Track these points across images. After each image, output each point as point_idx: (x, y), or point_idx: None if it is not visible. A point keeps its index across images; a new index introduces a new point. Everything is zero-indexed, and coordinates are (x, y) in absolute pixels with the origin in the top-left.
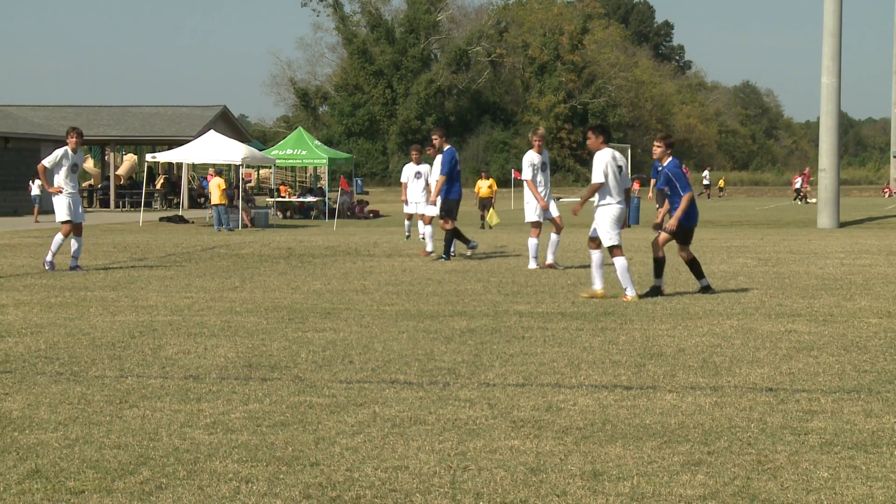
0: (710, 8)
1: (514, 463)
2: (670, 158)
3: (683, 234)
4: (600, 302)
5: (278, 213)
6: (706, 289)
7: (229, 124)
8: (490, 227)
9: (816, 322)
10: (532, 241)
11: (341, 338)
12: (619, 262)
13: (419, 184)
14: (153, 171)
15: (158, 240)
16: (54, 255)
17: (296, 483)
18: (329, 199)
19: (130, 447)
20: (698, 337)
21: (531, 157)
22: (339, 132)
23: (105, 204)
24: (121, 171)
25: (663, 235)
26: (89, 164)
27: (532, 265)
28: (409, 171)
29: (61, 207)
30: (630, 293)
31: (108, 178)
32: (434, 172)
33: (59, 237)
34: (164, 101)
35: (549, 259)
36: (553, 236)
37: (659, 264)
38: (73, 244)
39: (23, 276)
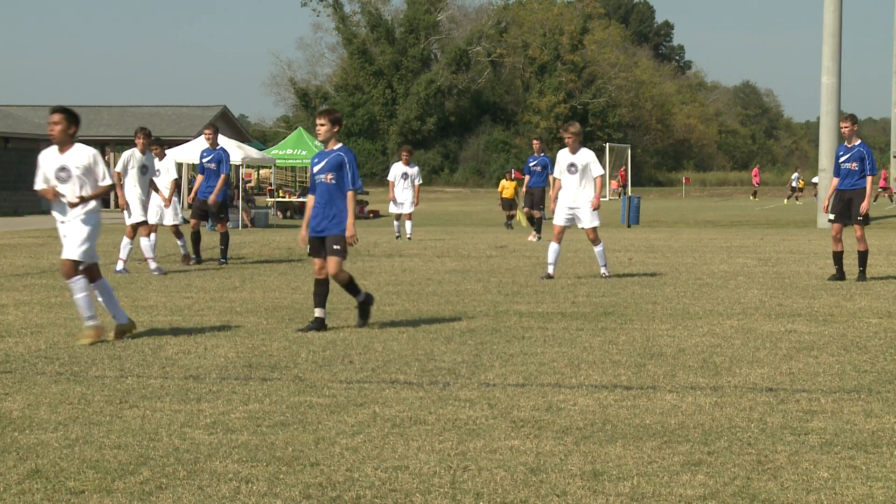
0: (710, 8)
1: (514, 463)
2: (340, 144)
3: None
4: (600, 302)
5: (278, 213)
6: (362, 308)
7: (229, 124)
8: (512, 227)
9: (816, 322)
10: (551, 246)
11: (341, 338)
12: (101, 284)
13: (406, 184)
14: None
15: (158, 240)
16: (152, 258)
17: (296, 483)
18: None
19: (130, 447)
20: (698, 337)
21: (560, 156)
22: (339, 132)
23: (105, 204)
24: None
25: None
26: None
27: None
28: (396, 170)
29: (136, 209)
30: (92, 322)
31: None
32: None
33: (144, 240)
34: (164, 101)
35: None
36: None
37: (324, 289)
38: (128, 246)
39: (23, 276)
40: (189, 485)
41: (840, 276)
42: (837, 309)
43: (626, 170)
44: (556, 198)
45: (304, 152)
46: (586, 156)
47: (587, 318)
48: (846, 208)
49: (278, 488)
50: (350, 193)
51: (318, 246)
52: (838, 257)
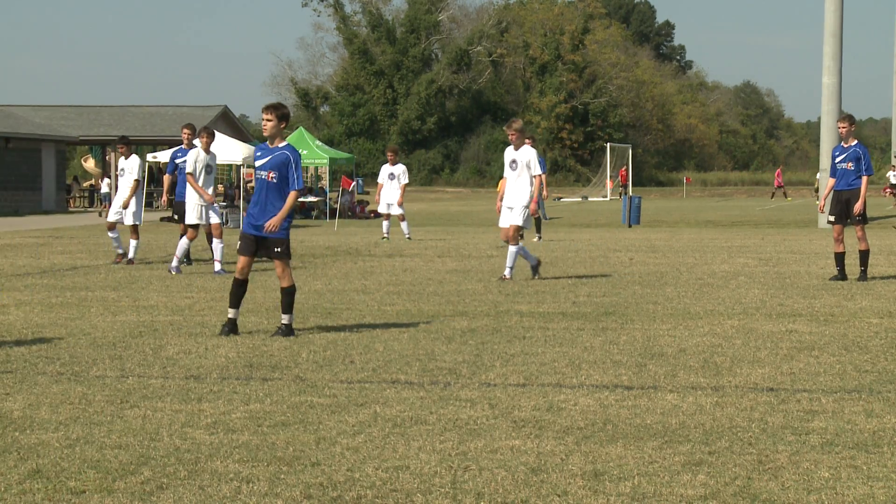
0: (711, 8)
1: (515, 463)
2: (286, 142)
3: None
4: (601, 301)
5: None
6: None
7: (230, 124)
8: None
9: (817, 322)
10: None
11: (342, 337)
12: None
13: (392, 185)
14: (153, 170)
15: (159, 240)
16: (179, 260)
17: (297, 483)
18: (330, 199)
19: (131, 447)
20: (699, 337)
21: (505, 153)
22: (340, 132)
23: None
24: None
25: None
26: (90, 165)
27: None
28: (384, 172)
29: (191, 211)
30: None
31: (108, 178)
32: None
33: (183, 241)
34: (164, 101)
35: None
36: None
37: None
38: (216, 248)
39: (23, 276)
40: (190, 485)
41: (842, 276)
42: (838, 309)
43: (626, 170)
44: (502, 197)
45: (304, 151)
46: (527, 153)
47: (588, 318)
48: (844, 209)
49: (279, 488)
50: (293, 194)
51: (251, 244)
52: (840, 258)
